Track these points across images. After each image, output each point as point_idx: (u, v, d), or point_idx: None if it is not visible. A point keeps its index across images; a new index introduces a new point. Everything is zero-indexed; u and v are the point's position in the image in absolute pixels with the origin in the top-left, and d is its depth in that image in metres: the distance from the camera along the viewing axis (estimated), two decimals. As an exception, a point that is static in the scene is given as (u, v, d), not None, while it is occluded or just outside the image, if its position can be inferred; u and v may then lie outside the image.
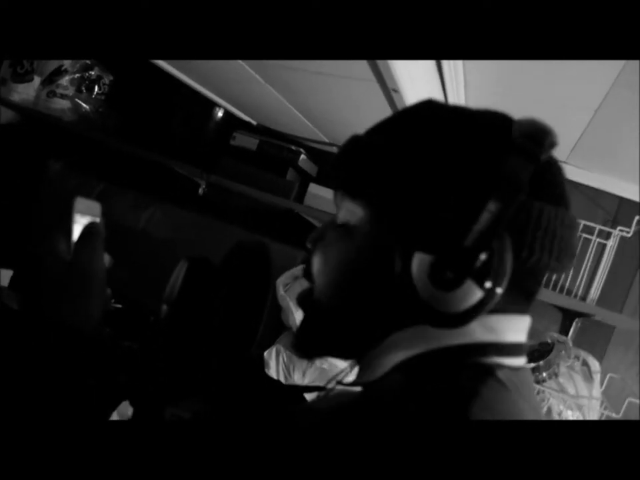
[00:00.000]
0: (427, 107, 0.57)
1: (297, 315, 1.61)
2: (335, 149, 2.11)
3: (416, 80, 1.11)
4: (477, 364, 0.50)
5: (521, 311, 0.54)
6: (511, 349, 0.52)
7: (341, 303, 0.57)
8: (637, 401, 1.67)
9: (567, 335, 1.86)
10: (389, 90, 1.10)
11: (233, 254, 0.72)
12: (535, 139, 0.49)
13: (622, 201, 1.85)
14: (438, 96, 1.34)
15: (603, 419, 1.66)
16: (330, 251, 0.58)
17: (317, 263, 0.59)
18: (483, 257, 0.47)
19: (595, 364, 1.73)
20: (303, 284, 1.72)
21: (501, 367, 0.50)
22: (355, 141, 0.58)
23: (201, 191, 2.03)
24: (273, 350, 1.65)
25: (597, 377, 1.71)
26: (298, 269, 1.77)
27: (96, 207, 0.61)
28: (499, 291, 0.47)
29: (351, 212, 0.56)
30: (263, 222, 2.09)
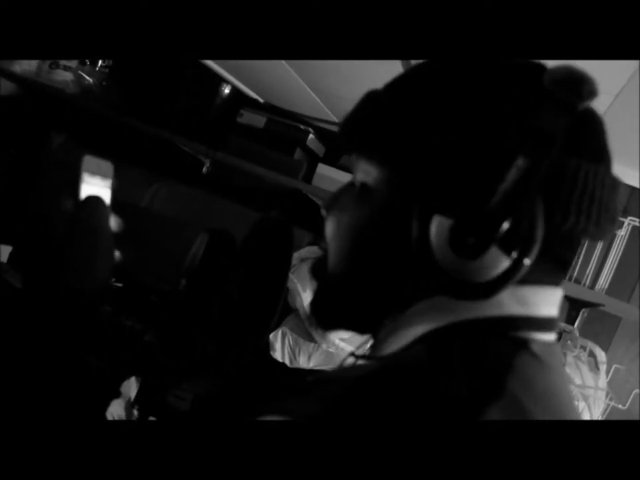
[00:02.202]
0: (449, 61, 0.51)
1: (304, 297, 1.58)
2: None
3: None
4: (508, 338, 0.46)
5: (554, 282, 0.50)
6: (544, 324, 0.48)
7: (355, 270, 0.53)
8: (644, 393, 1.66)
9: (573, 325, 1.84)
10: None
11: (256, 230, 0.68)
12: (570, 86, 0.43)
13: (634, 190, 1.82)
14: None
15: (609, 410, 1.65)
16: (344, 214, 0.54)
17: (330, 227, 0.55)
18: (509, 221, 0.42)
19: (601, 355, 1.72)
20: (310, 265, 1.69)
21: (534, 341, 0.46)
22: (371, 96, 0.53)
23: (205, 169, 1.99)
24: (279, 332, 1.63)
25: (603, 368, 1.70)
26: (304, 251, 1.74)
27: (107, 166, 0.58)
28: (528, 260, 0.42)
29: (366, 173, 0.52)
30: (269, 202, 2.06)
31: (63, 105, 2.16)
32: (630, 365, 1.89)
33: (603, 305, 1.61)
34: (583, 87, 0.43)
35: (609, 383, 1.70)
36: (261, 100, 2.17)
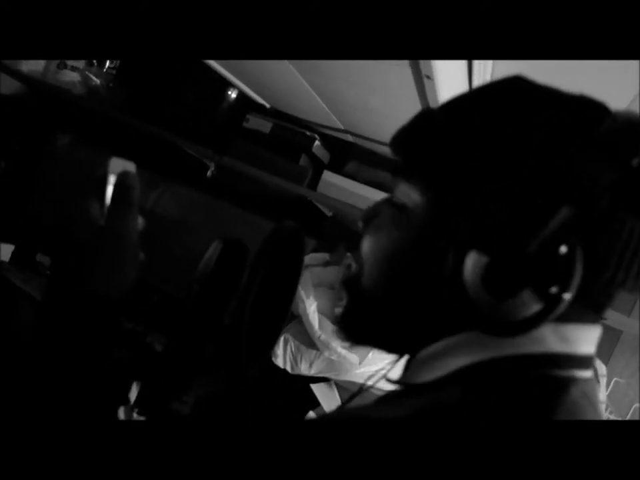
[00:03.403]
0: (512, 87, 0.51)
1: (307, 304, 1.58)
2: (349, 137, 2.08)
3: (449, 68, 1.08)
4: (550, 377, 0.45)
5: (592, 320, 0.49)
6: (584, 361, 0.47)
7: (390, 292, 0.53)
8: (645, 407, 1.65)
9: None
10: (421, 76, 1.07)
11: (272, 239, 0.68)
12: (628, 140, 0.43)
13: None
14: (463, 85, 1.30)
15: (608, 423, 1.64)
16: (382, 234, 0.54)
17: (367, 245, 0.55)
18: (546, 265, 0.42)
19: (601, 367, 1.72)
20: (314, 272, 1.69)
21: (575, 380, 0.45)
22: (425, 115, 0.53)
23: (209, 173, 1.99)
24: (281, 339, 1.62)
25: (603, 381, 1.70)
26: (308, 257, 1.74)
27: (132, 167, 0.58)
28: (562, 306, 0.41)
29: (405, 194, 0.52)
30: (273, 208, 2.06)
31: (69, 106, 2.16)
32: (630, 378, 1.89)
33: (605, 319, 1.61)
34: None
35: (609, 396, 1.70)
36: (268, 105, 2.17)
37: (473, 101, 0.52)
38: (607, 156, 0.43)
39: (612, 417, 1.65)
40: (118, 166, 0.56)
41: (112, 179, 0.55)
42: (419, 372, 0.50)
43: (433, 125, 0.51)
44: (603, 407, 0.51)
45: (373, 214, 0.56)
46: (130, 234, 0.55)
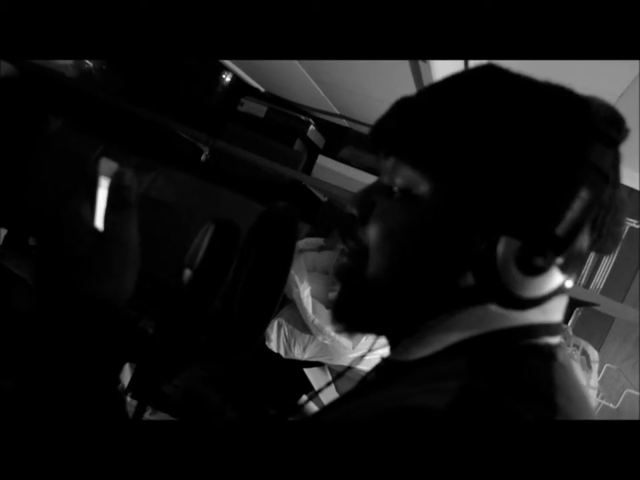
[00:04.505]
0: (499, 76, 0.53)
1: (301, 288, 1.58)
2: (344, 122, 2.07)
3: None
4: (534, 345, 0.50)
5: (564, 290, 0.53)
6: (556, 328, 0.52)
7: (402, 279, 0.53)
8: (635, 392, 1.67)
9: (566, 323, 1.85)
10: (417, 60, 1.06)
11: (264, 219, 0.68)
12: (617, 126, 0.49)
13: (632, 191, 1.83)
14: (459, 67, 1.29)
15: (600, 408, 1.66)
16: (389, 221, 0.53)
17: (374, 234, 0.54)
18: (570, 243, 0.47)
19: (594, 353, 1.73)
20: (308, 257, 1.69)
21: (556, 346, 0.51)
22: (410, 100, 0.54)
23: (203, 157, 1.98)
24: (275, 323, 1.63)
25: (595, 367, 1.71)
26: (303, 242, 1.74)
27: (128, 171, 0.56)
28: (575, 277, 0.49)
29: (410, 180, 0.52)
30: (268, 192, 2.05)
31: (62, 89, 2.14)
32: (622, 364, 1.90)
33: (598, 305, 1.61)
34: (624, 126, 0.49)
35: (601, 382, 1.71)
36: (262, 89, 2.16)
37: (472, 88, 0.52)
38: (605, 142, 0.48)
39: (604, 403, 1.66)
40: (109, 167, 0.53)
41: (103, 181, 0.52)
42: (415, 349, 0.52)
43: (438, 109, 0.52)
44: (574, 366, 0.58)
45: (368, 201, 0.56)
46: (132, 239, 0.52)
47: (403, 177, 0.53)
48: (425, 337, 0.52)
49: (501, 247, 0.48)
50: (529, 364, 0.47)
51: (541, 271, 0.48)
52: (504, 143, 0.48)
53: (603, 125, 0.48)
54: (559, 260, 0.48)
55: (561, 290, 0.50)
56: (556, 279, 0.49)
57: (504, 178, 0.48)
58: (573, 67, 1.23)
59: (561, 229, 0.47)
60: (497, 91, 0.51)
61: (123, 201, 0.52)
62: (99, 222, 0.52)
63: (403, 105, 0.54)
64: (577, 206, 0.46)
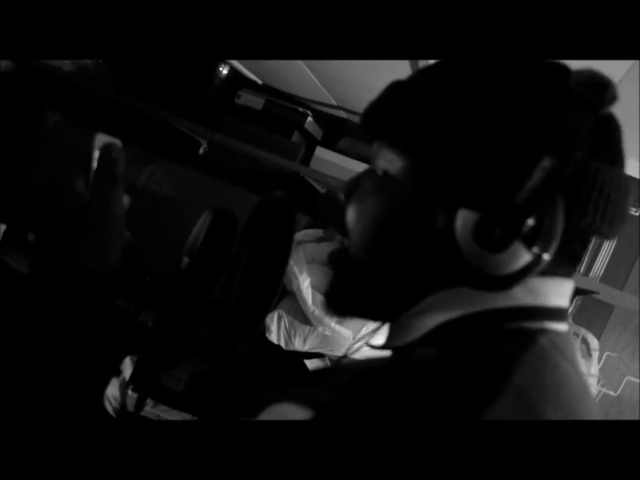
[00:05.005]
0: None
1: (301, 280, 1.59)
2: (342, 113, 2.07)
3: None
4: (520, 328, 0.47)
5: (565, 274, 0.51)
6: (555, 313, 0.49)
7: (378, 258, 0.53)
8: (636, 380, 1.67)
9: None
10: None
11: (261, 209, 0.68)
12: (595, 89, 0.44)
13: (633, 180, 1.83)
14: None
15: (600, 396, 1.66)
16: (367, 202, 0.54)
17: (352, 214, 0.55)
18: (533, 217, 0.43)
19: (594, 341, 1.74)
20: (307, 248, 1.69)
21: (545, 331, 0.47)
22: (397, 85, 0.54)
23: (201, 150, 1.98)
24: (275, 314, 1.63)
25: (595, 355, 1.71)
26: (301, 233, 1.74)
27: (118, 142, 0.57)
28: (547, 255, 0.44)
29: (389, 161, 0.52)
30: (266, 185, 2.05)
31: (59, 83, 2.13)
32: (622, 352, 1.91)
33: (597, 293, 1.61)
34: (606, 90, 0.44)
35: (601, 370, 1.72)
36: (260, 82, 2.15)
37: (445, 68, 0.52)
38: (579, 107, 0.44)
39: (604, 390, 1.67)
40: (103, 141, 0.54)
41: (96, 155, 0.53)
42: (401, 333, 0.52)
43: (410, 94, 0.52)
44: (576, 358, 0.53)
45: (354, 186, 0.56)
46: (114, 209, 0.53)
47: (384, 158, 0.53)
48: (407, 321, 0.51)
49: (459, 221, 0.46)
50: (495, 345, 0.45)
51: (500, 245, 0.44)
52: (470, 114, 0.47)
53: (578, 88, 0.44)
54: (524, 235, 0.44)
55: (532, 268, 0.44)
56: (524, 256, 0.44)
57: (465, 149, 0.47)
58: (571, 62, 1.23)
59: (519, 199, 0.43)
60: (470, 66, 0.51)
61: (108, 171, 0.53)
62: (88, 192, 0.53)
63: (387, 90, 0.54)
64: (537, 174, 0.43)
